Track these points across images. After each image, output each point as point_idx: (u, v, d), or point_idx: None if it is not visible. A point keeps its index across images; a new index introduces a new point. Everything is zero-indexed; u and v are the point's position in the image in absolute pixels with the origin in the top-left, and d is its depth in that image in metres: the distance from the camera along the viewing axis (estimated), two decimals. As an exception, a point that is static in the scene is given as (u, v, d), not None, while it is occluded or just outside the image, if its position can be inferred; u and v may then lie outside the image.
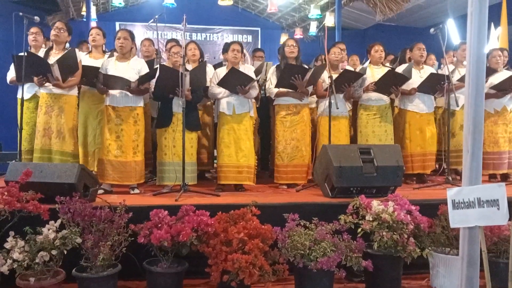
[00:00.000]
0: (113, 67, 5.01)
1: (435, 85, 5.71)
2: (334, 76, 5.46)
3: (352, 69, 6.14)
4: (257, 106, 6.20)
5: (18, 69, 4.94)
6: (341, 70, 5.70)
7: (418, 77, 5.84)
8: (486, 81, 5.73)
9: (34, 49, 5.39)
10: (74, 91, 5.15)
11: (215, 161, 6.15)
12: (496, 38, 9.93)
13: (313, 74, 5.39)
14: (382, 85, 5.67)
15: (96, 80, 5.06)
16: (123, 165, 4.93)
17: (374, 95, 5.81)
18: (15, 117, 5.15)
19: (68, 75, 4.93)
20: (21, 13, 4.94)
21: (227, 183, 5.28)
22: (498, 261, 3.78)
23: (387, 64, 6.54)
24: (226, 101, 5.29)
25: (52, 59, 4.94)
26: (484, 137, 6.01)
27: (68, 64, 4.90)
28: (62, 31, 5.06)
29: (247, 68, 5.48)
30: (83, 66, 5.12)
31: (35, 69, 4.84)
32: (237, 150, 5.25)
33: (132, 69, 5.02)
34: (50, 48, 5.17)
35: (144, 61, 5.36)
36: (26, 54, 4.91)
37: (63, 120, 5.01)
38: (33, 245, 3.34)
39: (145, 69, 5.11)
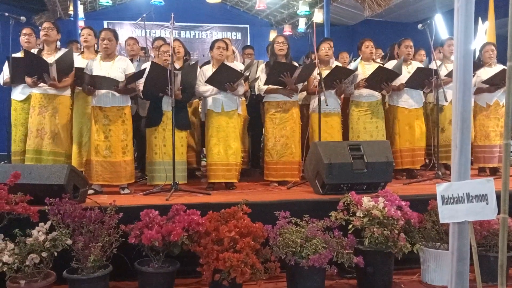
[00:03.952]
0: (98, 67, 4.96)
1: (422, 79, 5.73)
2: (326, 72, 5.47)
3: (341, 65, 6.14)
4: (246, 103, 6.18)
5: (13, 70, 4.89)
6: (332, 66, 5.70)
7: (406, 72, 5.86)
8: (474, 75, 5.77)
9: None
10: (68, 92, 5.10)
11: (204, 159, 6.15)
12: (483, 32, 10.00)
13: (302, 72, 5.38)
14: (373, 82, 5.68)
15: (80, 80, 5.03)
16: (112, 166, 4.90)
17: (365, 91, 5.82)
18: (5, 118, 5.11)
19: (63, 76, 4.89)
20: (6, 14, 4.89)
21: (217, 181, 5.27)
22: (488, 255, 3.82)
23: (378, 60, 6.55)
24: (214, 99, 5.27)
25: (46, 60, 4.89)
26: (475, 130, 6.09)
27: (65, 65, 4.86)
28: (50, 30, 5.00)
29: (235, 66, 5.47)
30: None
31: (31, 69, 4.78)
32: (226, 148, 5.24)
33: (117, 68, 4.99)
34: (41, 49, 5.11)
35: (131, 60, 5.32)
36: (23, 53, 4.85)
37: (57, 120, 4.96)
38: (23, 247, 3.31)
39: (131, 68, 5.09)
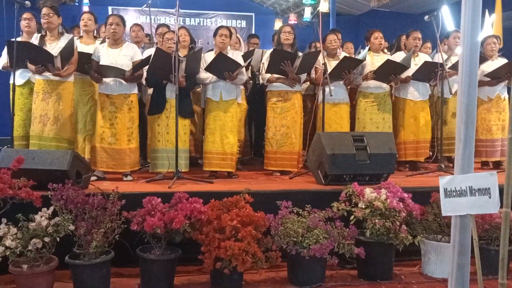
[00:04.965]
0: (105, 53, 4.93)
1: (429, 73, 5.71)
2: (333, 63, 5.45)
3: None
4: (246, 94, 6.15)
5: (11, 55, 4.85)
6: (340, 57, 5.67)
7: (413, 64, 5.83)
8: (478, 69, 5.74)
9: (27, 35, 5.30)
10: (71, 78, 5.06)
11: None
12: (490, 25, 9.92)
13: (304, 61, 5.33)
14: (381, 74, 5.66)
15: (87, 67, 5.01)
16: (117, 153, 4.90)
17: (373, 82, 5.81)
18: (7, 103, 5.09)
19: (65, 63, 4.88)
20: (11, -2, 4.87)
21: (211, 170, 5.26)
22: (489, 248, 3.83)
23: (385, 51, 6.52)
24: (214, 87, 5.25)
25: (49, 46, 4.85)
26: (477, 124, 6.05)
27: (68, 53, 4.84)
28: (51, 16, 4.93)
29: (236, 54, 5.44)
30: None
31: (36, 58, 4.76)
32: (222, 137, 5.22)
33: (125, 55, 4.96)
34: (44, 35, 5.07)
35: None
36: (26, 43, 4.83)
37: (61, 106, 4.94)
38: (26, 232, 3.33)
39: (138, 55, 5.06)
